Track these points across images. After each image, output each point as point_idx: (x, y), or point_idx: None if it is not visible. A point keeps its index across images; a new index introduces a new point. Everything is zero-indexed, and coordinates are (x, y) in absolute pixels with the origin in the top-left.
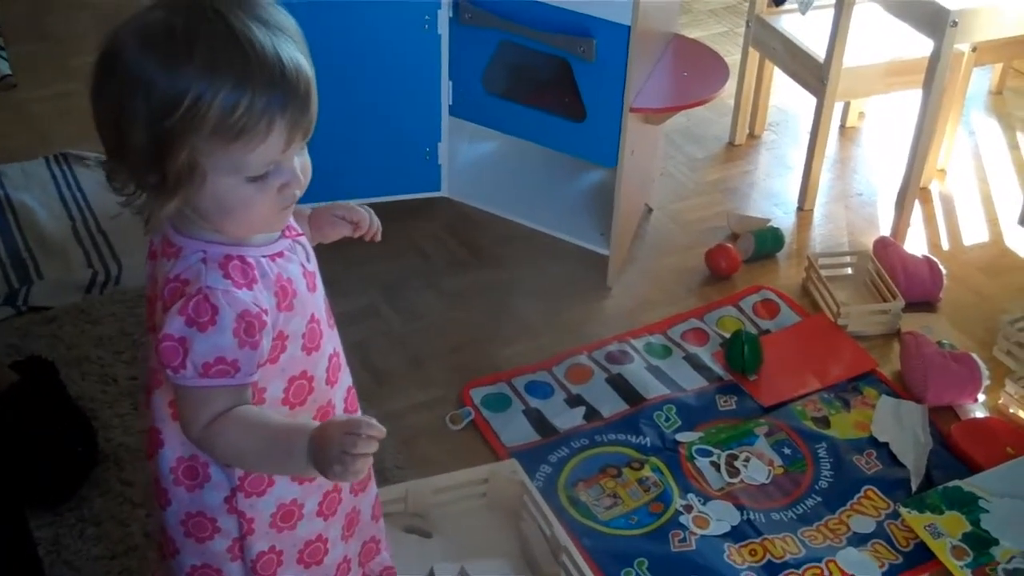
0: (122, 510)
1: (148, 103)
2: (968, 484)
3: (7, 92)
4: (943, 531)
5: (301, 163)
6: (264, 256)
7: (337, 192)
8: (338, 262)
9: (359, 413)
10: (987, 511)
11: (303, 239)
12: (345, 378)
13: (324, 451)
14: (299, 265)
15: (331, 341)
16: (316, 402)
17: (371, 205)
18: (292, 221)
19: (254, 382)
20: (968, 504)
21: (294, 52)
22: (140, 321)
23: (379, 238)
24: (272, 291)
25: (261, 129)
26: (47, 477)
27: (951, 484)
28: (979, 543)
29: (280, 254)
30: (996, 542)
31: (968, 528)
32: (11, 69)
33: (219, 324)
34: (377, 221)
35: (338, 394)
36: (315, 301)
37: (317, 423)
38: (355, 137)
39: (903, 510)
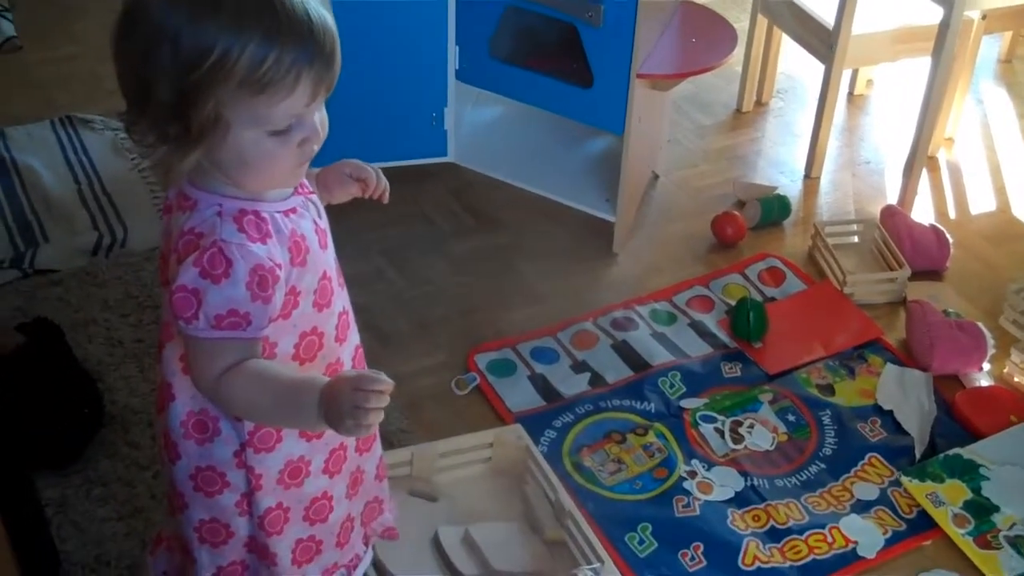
0: (128, 472)
1: (175, 55)
2: (969, 452)
3: (13, 55)
4: (944, 499)
5: (320, 118)
6: (278, 212)
7: (344, 156)
8: (345, 226)
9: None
10: (988, 479)
11: (315, 197)
12: (353, 336)
13: (335, 405)
14: (311, 222)
15: (341, 299)
16: (325, 359)
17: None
18: (305, 179)
19: (265, 336)
20: (969, 472)
21: (320, 7)
22: (145, 284)
23: (386, 199)
24: (286, 246)
25: (288, 83)
26: (53, 439)
27: (952, 452)
28: (980, 510)
29: (293, 210)
30: (997, 509)
31: (969, 496)
32: (16, 32)
33: (232, 277)
34: (385, 180)
35: (347, 352)
36: (326, 258)
37: (327, 378)
38: (361, 102)
39: (904, 479)
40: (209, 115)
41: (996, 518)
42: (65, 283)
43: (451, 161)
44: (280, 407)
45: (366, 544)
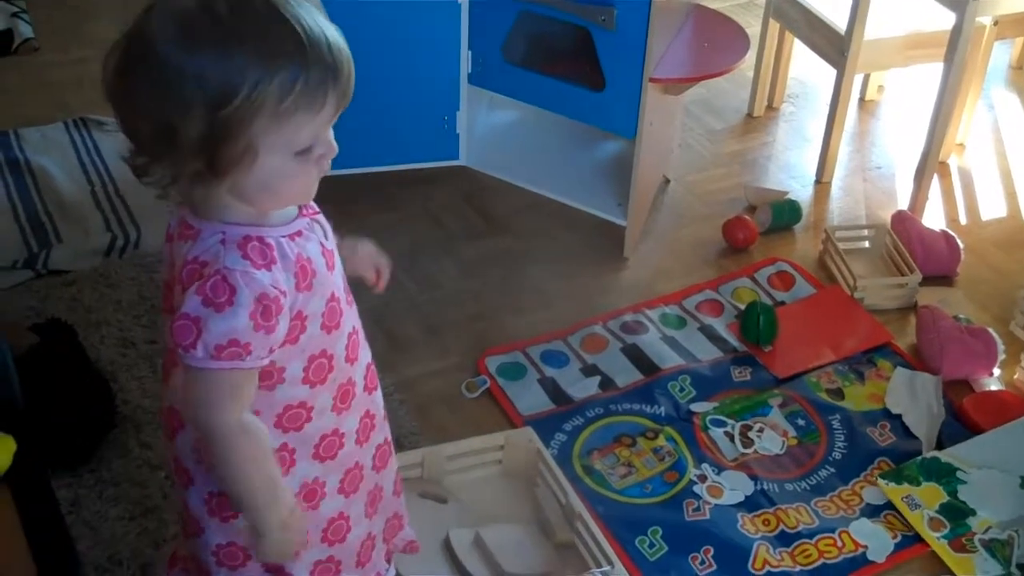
0: (140, 472)
1: (202, 94)
2: (946, 455)
3: (29, 56)
4: (920, 502)
5: (331, 133)
6: (283, 236)
7: (356, 159)
8: (356, 229)
9: (379, 390)
10: (964, 482)
11: (321, 217)
12: (364, 355)
13: (290, 533)
14: (318, 244)
15: (350, 319)
16: (336, 380)
17: (389, 173)
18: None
19: (273, 361)
20: (946, 475)
21: (330, 25)
22: (159, 285)
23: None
24: (291, 272)
25: (316, 106)
26: (66, 439)
27: (929, 455)
28: (956, 514)
29: (299, 233)
30: (973, 512)
31: (945, 499)
32: (33, 33)
33: (236, 305)
34: (388, 278)
35: (358, 371)
36: (334, 279)
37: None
38: (374, 105)
39: (881, 482)
40: (239, 148)
41: (972, 521)
42: (78, 284)
43: (463, 164)
44: (262, 484)
45: (388, 560)
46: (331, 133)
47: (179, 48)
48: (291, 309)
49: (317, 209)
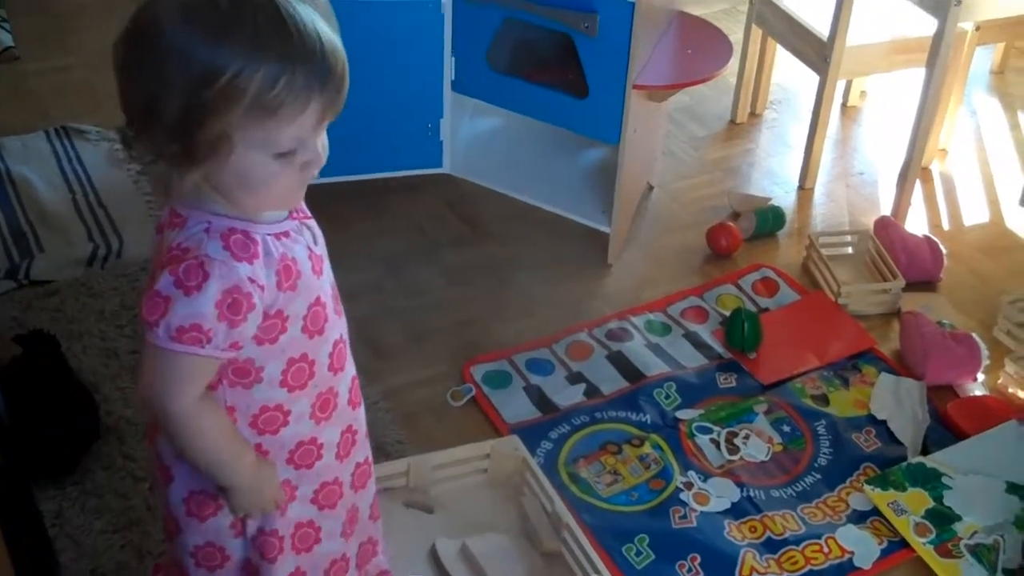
0: (124, 484)
1: (186, 74)
2: (931, 461)
3: (9, 64)
4: (906, 508)
5: (322, 142)
6: (269, 234)
7: (340, 167)
8: (340, 238)
9: (362, 408)
10: (950, 487)
11: (311, 223)
12: (350, 368)
13: (262, 486)
14: (305, 247)
15: (337, 327)
16: (316, 387)
17: (372, 180)
18: (302, 204)
19: (251, 360)
20: (931, 481)
21: (331, 32)
22: (141, 295)
23: None
24: (274, 269)
25: (297, 107)
26: (49, 450)
27: (914, 461)
28: (942, 519)
29: (286, 234)
30: (959, 518)
31: (931, 504)
32: (14, 42)
33: (204, 292)
34: None
35: (342, 383)
36: (321, 285)
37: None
38: (357, 112)
39: (867, 488)
40: (215, 136)
41: (957, 527)
42: (61, 294)
43: (447, 172)
44: (218, 453)
45: None
46: (321, 141)
47: (176, 28)
48: (271, 307)
49: (308, 214)
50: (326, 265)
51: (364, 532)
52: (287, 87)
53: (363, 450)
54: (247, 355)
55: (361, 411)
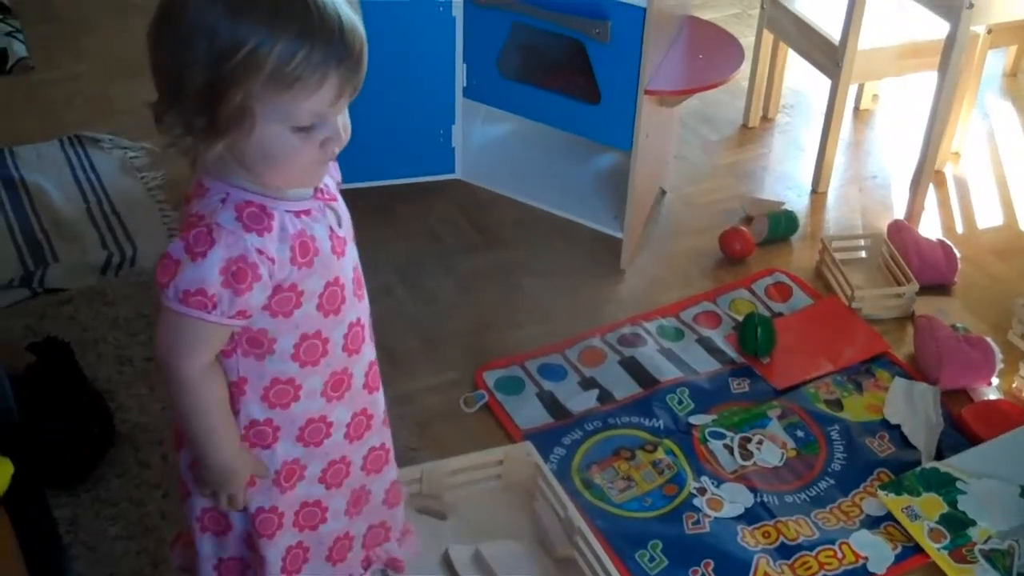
0: (139, 491)
1: (210, 48)
2: (945, 465)
3: (24, 75)
4: (920, 513)
5: (343, 121)
6: (289, 211)
7: (352, 174)
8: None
9: (380, 393)
10: (964, 492)
11: (336, 205)
12: (368, 351)
13: (235, 472)
14: (326, 227)
15: (355, 310)
16: (330, 366)
17: (385, 187)
18: (331, 186)
19: (264, 330)
20: (945, 486)
21: (351, 13)
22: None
23: None
24: (288, 244)
25: (315, 81)
26: (64, 458)
27: (928, 466)
28: (956, 524)
29: (307, 212)
30: (973, 523)
31: (945, 509)
32: (28, 52)
33: (208, 258)
34: None
35: (358, 365)
36: (341, 265)
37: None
38: (369, 119)
39: (880, 493)
40: (237, 106)
41: (972, 532)
42: (75, 302)
43: (459, 178)
44: (208, 429)
45: (365, 567)
46: (342, 120)
47: (201, 8)
48: (284, 280)
49: (336, 196)
50: (350, 247)
51: (376, 515)
52: (304, 61)
53: (379, 435)
54: (260, 325)
55: (379, 396)
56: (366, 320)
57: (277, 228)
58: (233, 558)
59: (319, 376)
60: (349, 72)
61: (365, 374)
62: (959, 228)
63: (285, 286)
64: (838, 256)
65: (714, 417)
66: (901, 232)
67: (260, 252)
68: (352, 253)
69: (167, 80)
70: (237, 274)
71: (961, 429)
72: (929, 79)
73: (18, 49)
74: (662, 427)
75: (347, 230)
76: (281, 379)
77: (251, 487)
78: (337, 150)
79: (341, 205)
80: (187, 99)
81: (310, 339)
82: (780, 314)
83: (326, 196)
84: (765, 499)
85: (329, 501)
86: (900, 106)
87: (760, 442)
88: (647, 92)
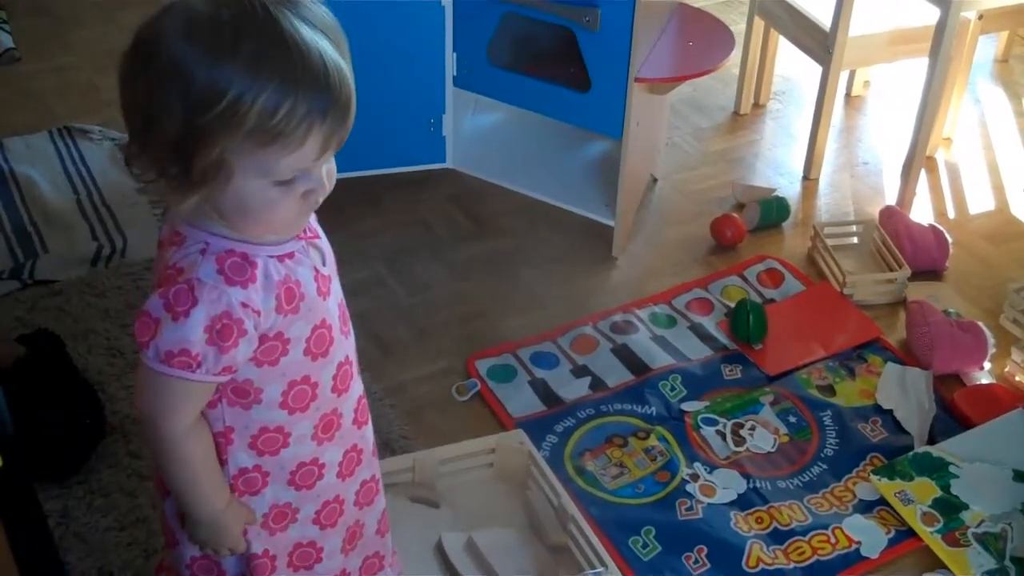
0: (130, 482)
1: (186, 95)
2: (938, 450)
3: (11, 66)
4: (913, 497)
5: (328, 169)
6: (272, 256)
7: (343, 164)
8: (344, 233)
9: (369, 425)
10: (957, 476)
11: (319, 242)
12: (357, 388)
13: (225, 528)
14: (311, 268)
15: (343, 349)
16: (320, 409)
17: (376, 176)
18: (313, 221)
19: (250, 381)
20: (938, 470)
21: (338, 58)
22: (145, 294)
23: None
24: (273, 293)
25: (299, 136)
26: (55, 450)
27: (921, 450)
28: (949, 508)
29: (290, 255)
30: (966, 507)
31: (938, 493)
32: (15, 43)
33: (191, 318)
34: None
35: (347, 403)
36: (327, 306)
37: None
38: (360, 109)
39: (873, 477)
40: (213, 160)
41: (965, 515)
42: (65, 294)
43: (450, 167)
44: (193, 484)
45: None
46: (327, 169)
47: (176, 44)
48: (269, 330)
49: (318, 233)
50: (334, 284)
51: (370, 547)
52: (288, 115)
53: (369, 468)
54: (246, 376)
55: (368, 429)
56: (353, 357)
57: (261, 277)
58: None
59: (308, 421)
60: (335, 124)
61: (354, 411)
62: (951, 213)
63: (271, 335)
64: (830, 242)
65: (706, 403)
66: (893, 218)
67: (245, 305)
68: (337, 290)
69: (138, 123)
70: (222, 331)
71: (953, 414)
72: (920, 65)
73: (4, 39)
74: (654, 414)
75: (331, 267)
76: (270, 427)
77: (243, 535)
78: (320, 200)
79: (324, 241)
80: (160, 146)
81: (298, 385)
82: (772, 300)
83: (308, 235)
84: (758, 485)
85: (324, 541)
86: (891, 92)
87: (752, 428)
88: (637, 80)
